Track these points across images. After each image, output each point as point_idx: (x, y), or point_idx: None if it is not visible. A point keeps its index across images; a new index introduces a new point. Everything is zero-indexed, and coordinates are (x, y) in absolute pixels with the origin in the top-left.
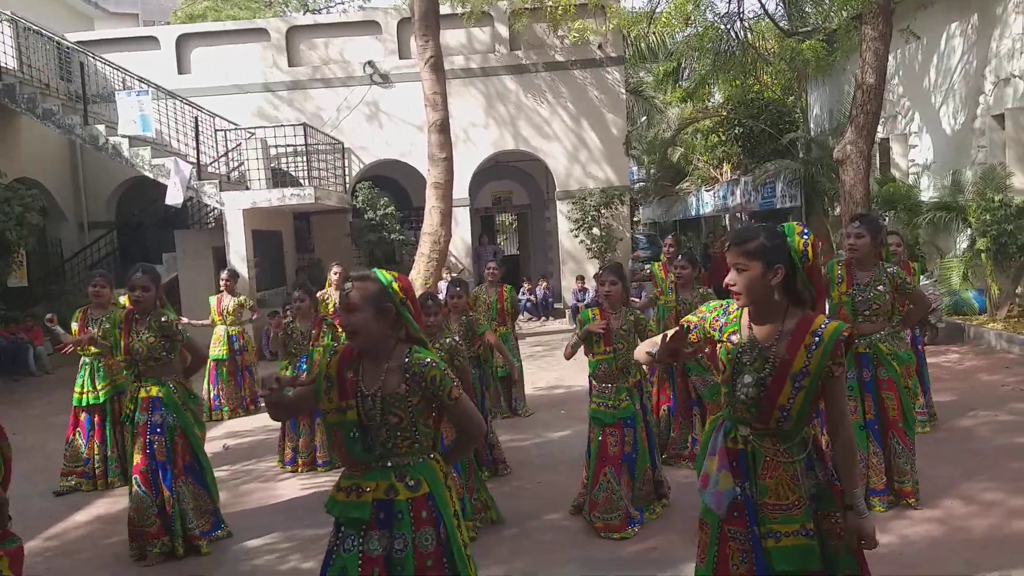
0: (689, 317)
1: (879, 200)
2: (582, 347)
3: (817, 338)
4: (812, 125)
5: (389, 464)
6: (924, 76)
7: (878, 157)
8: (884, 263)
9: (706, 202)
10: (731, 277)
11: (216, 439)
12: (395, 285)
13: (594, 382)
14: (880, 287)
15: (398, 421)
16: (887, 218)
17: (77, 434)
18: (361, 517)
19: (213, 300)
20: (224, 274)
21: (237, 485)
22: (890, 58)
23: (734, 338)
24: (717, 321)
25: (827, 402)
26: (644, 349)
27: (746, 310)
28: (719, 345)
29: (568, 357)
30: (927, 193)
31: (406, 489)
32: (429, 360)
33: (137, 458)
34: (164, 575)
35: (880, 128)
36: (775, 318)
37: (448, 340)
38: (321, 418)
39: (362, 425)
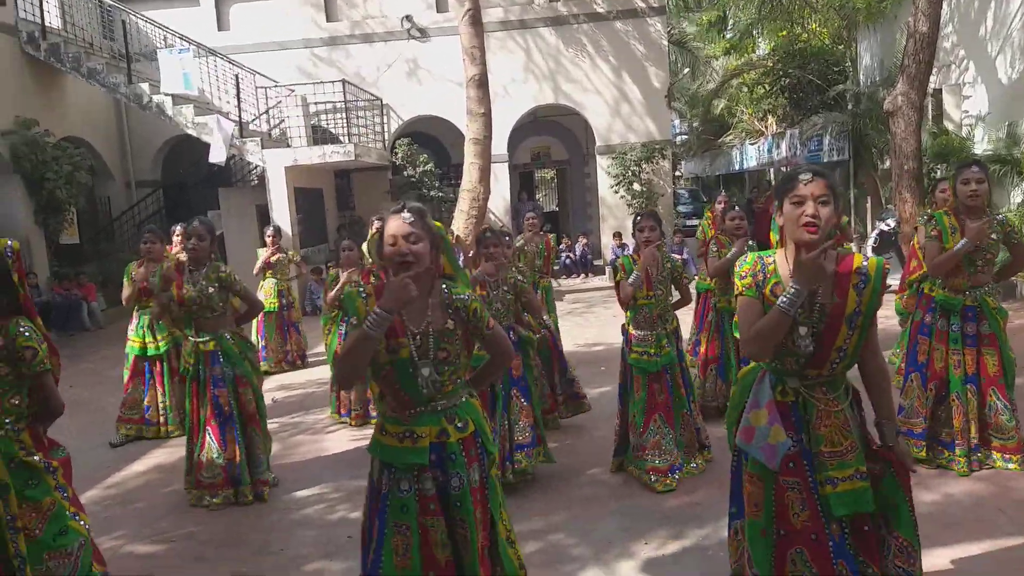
0: (740, 283)
1: (931, 153)
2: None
3: (863, 276)
4: (862, 76)
5: (439, 408)
6: (980, 23)
7: (930, 108)
8: (991, 210)
9: (750, 156)
10: (815, 210)
11: (266, 391)
12: (436, 222)
13: (633, 331)
14: (993, 235)
15: (446, 356)
16: (939, 171)
17: (137, 383)
18: (420, 462)
19: (263, 252)
20: (269, 230)
21: (286, 437)
22: (944, 5)
23: (777, 290)
24: (761, 274)
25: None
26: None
27: (783, 260)
28: (762, 298)
29: (626, 304)
30: (981, 146)
31: (456, 431)
32: (468, 294)
33: (207, 413)
34: (221, 520)
35: (932, 78)
36: None
37: (511, 277)
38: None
39: (414, 363)
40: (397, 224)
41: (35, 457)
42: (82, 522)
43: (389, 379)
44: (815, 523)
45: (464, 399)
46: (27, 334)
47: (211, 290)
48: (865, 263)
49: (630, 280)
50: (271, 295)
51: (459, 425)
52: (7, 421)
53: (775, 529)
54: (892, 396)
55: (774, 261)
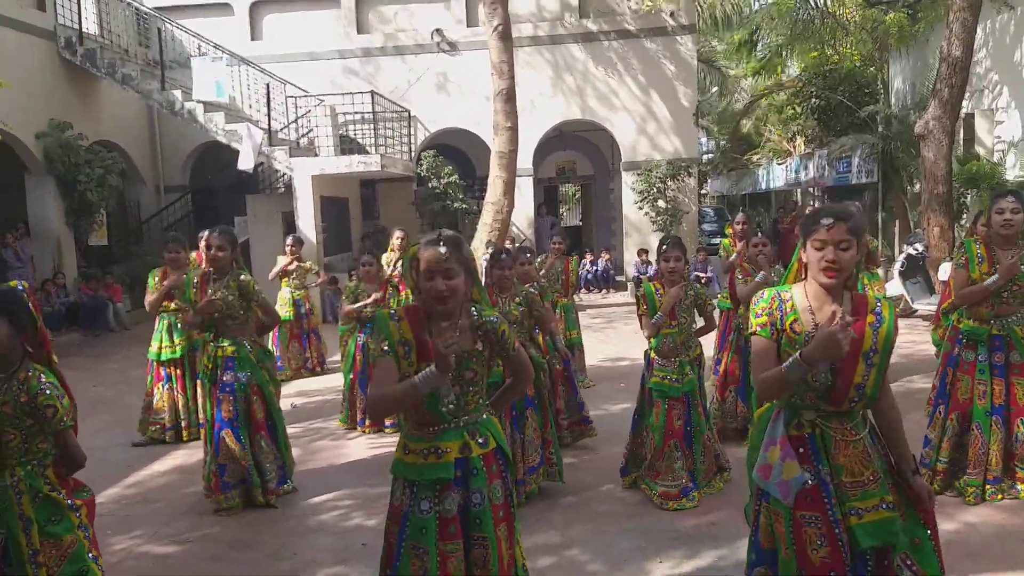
0: (755, 321)
1: (961, 178)
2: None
3: (878, 316)
4: (893, 99)
5: (462, 423)
6: (1015, 48)
7: (962, 133)
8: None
9: (777, 176)
10: (834, 256)
11: (285, 397)
12: (468, 247)
13: (656, 357)
14: (1023, 267)
15: (473, 376)
16: (968, 197)
17: (159, 387)
18: (446, 477)
19: (282, 260)
20: (289, 240)
21: (305, 443)
22: (979, 29)
23: (796, 327)
24: (778, 312)
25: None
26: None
27: (803, 295)
28: (780, 335)
29: (651, 336)
30: (1013, 172)
31: (478, 446)
32: (496, 317)
33: (210, 415)
34: (237, 523)
35: (965, 103)
36: (837, 299)
37: (524, 292)
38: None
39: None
40: (434, 257)
41: (59, 493)
42: (99, 565)
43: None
44: (835, 559)
45: (485, 416)
46: (48, 392)
47: (231, 298)
48: (879, 304)
49: (653, 320)
50: (286, 304)
51: (480, 441)
52: (34, 460)
53: (797, 570)
54: (904, 434)
55: (792, 297)
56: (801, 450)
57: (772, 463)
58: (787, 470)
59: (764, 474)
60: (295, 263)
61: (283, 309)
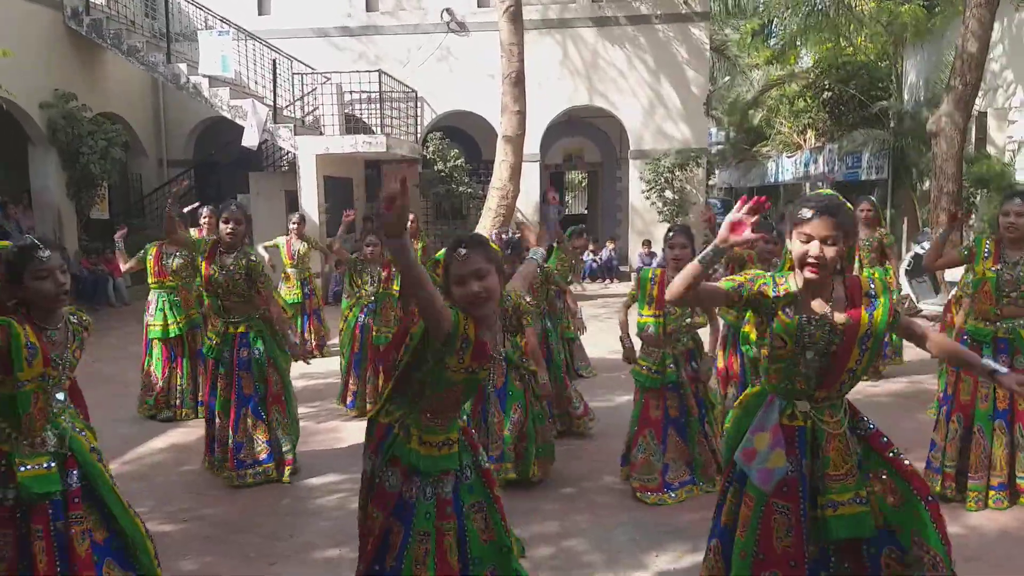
0: (735, 276)
1: (970, 177)
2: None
3: (872, 299)
4: (906, 94)
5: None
6: None
7: (974, 132)
8: None
9: (786, 169)
10: (819, 250)
11: None
12: (494, 245)
13: (641, 344)
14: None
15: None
16: (978, 196)
17: (157, 365)
18: (453, 467)
19: (283, 242)
20: (294, 217)
21: (305, 425)
22: (995, 26)
23: (789, 311)
24: (767, 287)
25: (907, 331)
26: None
27: (795, 283)
28: (771, 319)
29: (622, 320)
30: (1023, 173)
31: (462, 422)
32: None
33: (229, 395)
34: (235, 503)
35: (978, 101)
36: (828, 287)
37: (513, 300)
38: (435, 374)
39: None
40: (459, 262)
41: None
42: None
43: (453, 393)
44: (796, 550)
45: None
46: None
47: (237, 276)
48: (872, 284)
49: (621, 335)
50: (294, 286)
51: (464, 417)
52: None
53: (755, 551)
54: (964, 352)
55: (787, 281)
56: (790, 441)
57: (759, 449)
58: (774, 459)
59: (747, 458)
60: (299, 241)
61: (292, 291)
